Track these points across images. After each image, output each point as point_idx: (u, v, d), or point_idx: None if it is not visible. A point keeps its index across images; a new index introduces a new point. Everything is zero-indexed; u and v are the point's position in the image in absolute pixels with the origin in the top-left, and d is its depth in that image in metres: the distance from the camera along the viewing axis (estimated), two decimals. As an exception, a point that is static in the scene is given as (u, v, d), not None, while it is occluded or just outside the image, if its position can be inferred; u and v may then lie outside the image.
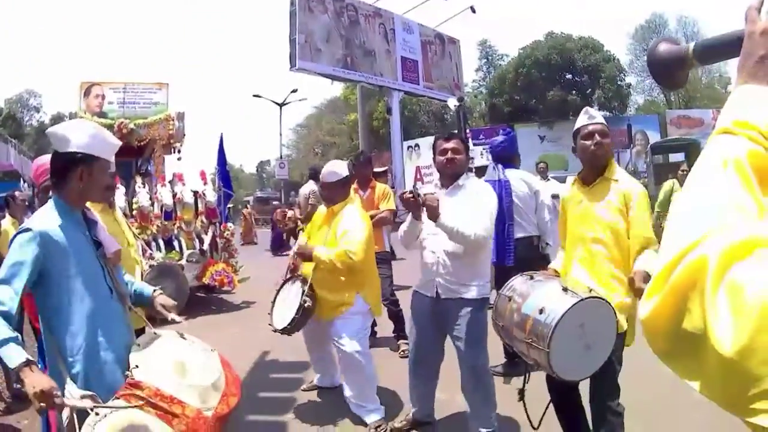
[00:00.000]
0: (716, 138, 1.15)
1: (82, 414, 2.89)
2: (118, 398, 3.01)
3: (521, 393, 4.31)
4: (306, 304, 5.75)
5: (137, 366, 3.22)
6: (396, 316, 8.29)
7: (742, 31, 1.29)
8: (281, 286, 6.30)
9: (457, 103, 25.13)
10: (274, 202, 39.54)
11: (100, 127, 3.57)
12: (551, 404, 4.55)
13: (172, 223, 12.45)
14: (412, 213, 5.21)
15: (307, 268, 6.12)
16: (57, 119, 60.40)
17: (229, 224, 13.42)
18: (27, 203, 9.93)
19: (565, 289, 3.89)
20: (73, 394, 2.98)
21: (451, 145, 5.27)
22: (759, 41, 1.17)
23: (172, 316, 3.88)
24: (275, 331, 5.91)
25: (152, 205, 12.29)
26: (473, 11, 37.02)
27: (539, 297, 3.97)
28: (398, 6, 35.64)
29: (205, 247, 12.68)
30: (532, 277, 4.28)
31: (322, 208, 6.43)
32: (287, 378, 7.31)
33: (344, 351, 5.89)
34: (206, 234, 12.79)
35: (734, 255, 0.94)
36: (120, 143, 3.77)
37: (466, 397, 5.25)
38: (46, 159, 4.44)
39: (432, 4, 36.79)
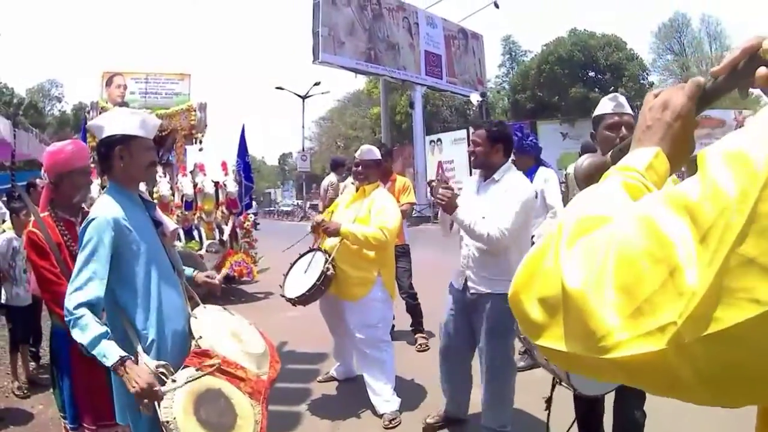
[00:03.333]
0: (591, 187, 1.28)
1: (159, 380, 3.13)
2: (188, 366, 3.29)
3: (548, 402, 4.21)
4: (329, 272, 5.70)
5: (201, 336, 3.52)
6: (413, 310, 8.29)
7: None
8: (296, 260, 6.23)
9: (480, 99, 25.18)
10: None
11: (135, 110, 3.78)
12: (575, 411, 4.42)
13: (193, 213, 12.54)
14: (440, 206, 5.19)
15: (326, 244, 6.08)
16: (79, 109, 60.76)
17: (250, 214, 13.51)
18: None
19: None
20: (148, 365, 3.20)
21: (473, 137, 5.29)
22: (647, 114, 1.39)
23: (219, 277, 4.26)
24: (289, 300, 5.81)
25: (173, 194, 12.38)
26: (497, 6, 36.84)
27: None
28: (422, 0, 35.60)
29: (225, 237, 12.77)
30: None
31: (344, 195, 6.57)
32: (303, 369, 7.33)
33: (364, 339, 5.92)
34: (226, 224, 12.87)
35: (587, 225, 1.06)
36: (159, 122, 4.00)
37: (483, 389, 5.15)
38: (75, 144, 4.52)
39: (455, -1, 36.72)
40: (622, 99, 4.05)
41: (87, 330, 3.09)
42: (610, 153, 1.71)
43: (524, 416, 5.50)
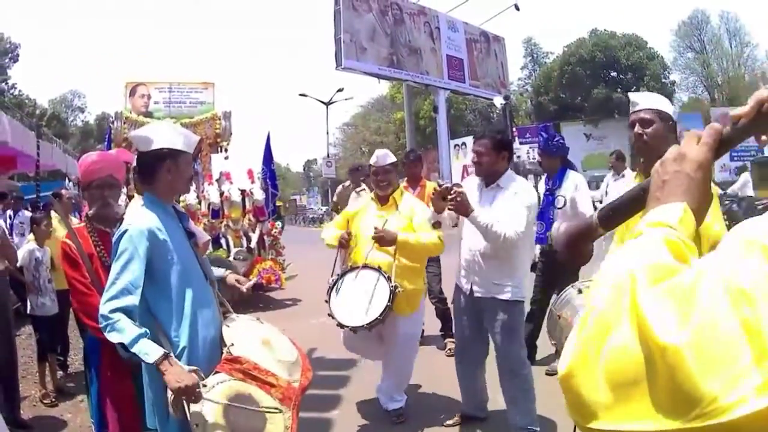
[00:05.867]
0: (628, 243, 1.13)
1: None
2: (220, 372, 3.36)
3: None
4: (397, 290, 5.31)
5: (233, 344, 3.56)
6: (443, 315, 8.25)
7: (644, 183, 1.41)
8: (335, 282, 5.67)
9: (504, 102, 24.97)
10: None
11: (176, 125, 3.87)
12: None
13: (220, 222, 12.58)
14: (435, 206, 5.15)
15: (367, 259, 5.65)
16: (102, 119, 61.41)
17: (277, 223, 13.54)
18: (73, 201, 10.05)
19: None
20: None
21: (476, 147, 5.25)
22: (659, 170, 1.28)
23: (247, 285, 4.25)
24: (355, 328, 5.33)
25: (199, 203, 12.42)
26: (517, 9, 36.63)
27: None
28: (442, 4, 35.52)
29: (253, 245, 12.80)
30: (580, 291, 4.22)
31: (364, 203, 6.27)
32: (334, 375, 7.32)
33: (406, 349, 5.84)
34: (254, 232, 12.90)
35: (660, 275, 0.91)
36: (198, 138, 4.03)
37: (503, 390, 5.25)
38: (94, 156, 4.62)
39: (476, 2, 36.59)
40: (634, 96, 4.06)
41: (125, 331, 3.16)
42: (597, 214, 1.63)
43: (552, 421, 5.50)
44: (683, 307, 0.83)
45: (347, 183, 11.55)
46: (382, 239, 5.51)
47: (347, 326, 5.37)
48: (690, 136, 1.29)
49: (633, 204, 1.51)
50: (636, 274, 0.92)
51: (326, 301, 5.59)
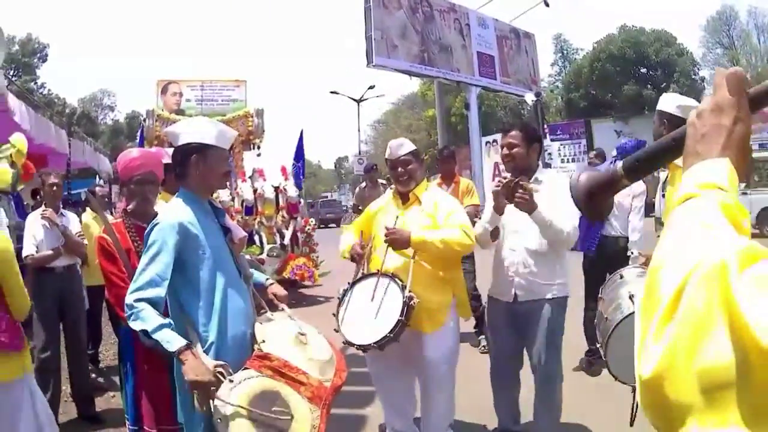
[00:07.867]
0: (680, 207, 1.09)
1: (216, 380, 3.22)
2: (248, 368, 3.35)
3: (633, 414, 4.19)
4: (412, 302, 4.39)
5: (264, 341, 3.57)
6: (477, 312, 8.20)
7: (675, 133, 1.38)
8: (344, 293, 4.88)
9: (535, 98, 24.93)
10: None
11: (211, 120, 3.94)
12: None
13: (253, 218, 12.63)
14: (497, 204, 4.69)
15: (375, 262, 4.92)
16: (132, 118, 62.01)
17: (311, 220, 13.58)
18: (105, 199, 10.08)
19: (631, 297, 3.90)
20: (207, 363, 3.27)
21: (506, 139, 4.93)
22: (696, 122, 1.21)
23: (282, 305, 4.11)
24: (362, 347, 4.54)
25: (233, 200, 12.47)
26: (547, 5, 36.42)
27: (612, 301, 4.14)
28: (472, 1, 35.42)
29: (286, 241, 12.84)
30: (622, 276, 4.34)
31: (385, 203, 5.33)
32: (367, 372, 7.30)
33: (438, 376, 4.87)
34: (287, 229, 12.93)
35: (750, 258, 0.84)
36: (236, 133, 4.17)
37: (536, 401, 5.00)
38: (135, 152, 4.72)
39: (505, -1, 36.45)
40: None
41: (149, 319, 3.21)
42: (622, 164, 1.56)
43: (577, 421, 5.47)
44: None
45: (363, 184, 11.72)
46: (395, 240, 4.68)
47: (354, 344, 4.57)
48: (720, 78, 1.23)
49: (661, 155, 1.50)
50: (727, 263, 0.84)
51: (334, 315, 4.83)
